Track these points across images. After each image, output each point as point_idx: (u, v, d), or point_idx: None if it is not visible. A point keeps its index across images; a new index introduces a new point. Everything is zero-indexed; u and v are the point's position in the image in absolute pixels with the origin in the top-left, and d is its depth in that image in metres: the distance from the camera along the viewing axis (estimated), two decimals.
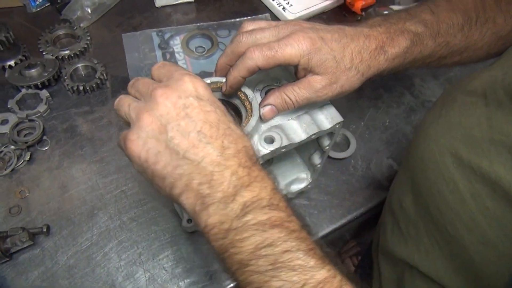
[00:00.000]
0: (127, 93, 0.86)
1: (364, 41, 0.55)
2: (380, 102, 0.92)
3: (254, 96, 0.56)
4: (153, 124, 0.43)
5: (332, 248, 0.80)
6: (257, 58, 0.51)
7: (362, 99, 0.92)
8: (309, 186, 0.74)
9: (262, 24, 0.56)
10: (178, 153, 0.43)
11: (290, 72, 0.61)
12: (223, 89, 0.56)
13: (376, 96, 0.93)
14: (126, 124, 0.48)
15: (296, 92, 0.53)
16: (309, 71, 0.53)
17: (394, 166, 0.83)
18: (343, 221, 0.75)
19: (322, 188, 0.78)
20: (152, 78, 0.50)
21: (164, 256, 0.69)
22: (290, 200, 0.75)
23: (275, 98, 0.54)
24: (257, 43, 0.52)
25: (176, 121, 0.43)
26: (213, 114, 0.45)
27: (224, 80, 0.56)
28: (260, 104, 0.55)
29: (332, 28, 0.55)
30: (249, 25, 0.56)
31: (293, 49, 0.51)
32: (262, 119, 0.56)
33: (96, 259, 0.68)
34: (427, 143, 0.52)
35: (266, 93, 0.58)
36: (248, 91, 0.56)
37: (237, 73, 0.52)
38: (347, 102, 0.91)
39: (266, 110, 0.55)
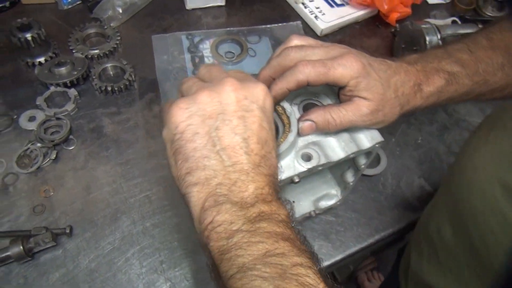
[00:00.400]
0: (154, 95, 0.86)
1: (405, 75, 0.55)
2: (413, 118, 0.90)
3: (292, 111, 0.54)
4: (208, 104, 0.43)
5: (351, 265, 0.78)
6: (308, 72, 0.50)
7: None
8: (338, 203, 0.72)
9: (310, 41, 0.55)
10: (215, 145, 0.42)
11: (331, 88, 0.59)
12: None
13: None
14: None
15: (342, 113, 0.52)
16: (355, 94, 0.52)
17: (425, 187, 0.80)
18: (371, 240, 0.73)
19: (350, 205, 0.76)
20: None
21: (186, 266, 0.67)
22: (315, 216, 0.73)
23: (317, 115, 0.52)
24: (307, 59, 0.51)
25: (231, 116, 0.43)
26: (265, 132, 0.44)
27: None
28: (299, 118, 0.54)
29: (376, 58, 0.55)
30: (298, 40, 0.55)
31: (345, 69, 0.50)
32: (298, 134, 0.54)
33: (118, 264, 0.67)
34: (473, 170, 0.50)
35: (304, 107, 0.57)
36: (286, 105, 0.54)
37: (285, 85, 0.51)
38: None
39: (305, 125, 0.53)
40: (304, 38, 0.55)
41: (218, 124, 0.42)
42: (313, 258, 0.40)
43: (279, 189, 0.45)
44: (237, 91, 0.44)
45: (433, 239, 0.59)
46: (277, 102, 0.54)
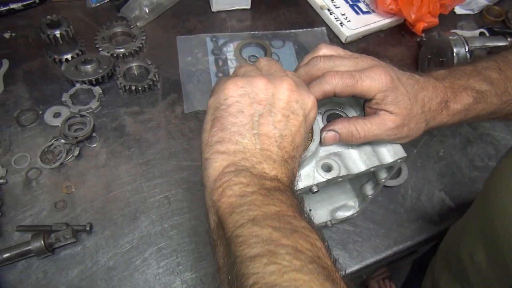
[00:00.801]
0: (177, 96, 0.86)
1: (433, 91, 0.54)
2: (435, 130, 0.88)
3: (316, 120, 0.54)
4: (262, 91, 0.44)
5: (364, 273, 0.77)
6: (336, 83, 0.50)
7: None
8: (355, 215, 0.71)
9: (339, 51, 0.55)
10: (253, 128, 0.43)
11: (356, 99, 0.59)
12: None
13: None
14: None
15: (367, 127, 0.52)
16: (381, 108, 0.52)
17: (446, 201, 0.79)
18: (389, 252, 0.72)
19: (369, 215, 0.75)
20: None
21: (202, 268, 0.68)
22: (332, 226, 0.73)
23: (342, 127, 0.52)
24: (335, 70, 0.51)
25: (277, 110, 0.44)
26: (300, 138, 0.45)
27: None
28: (323, 128, 0.53)
29: (405, 72, 0.55)
30: (327, 49, 0.54)
31: (373, 82, 0.50)
32: (320, 143, 0.54)
33: (135, 264, 0.67)
34: (510, 195, 0.48)
35: (328, 117, 0.56)
36: None
37: (311, 93, 0.51)
38: None
39: (329, 135, 0.53)
40: (333, 47, 0.55)
41: (264, 112, 0.44)
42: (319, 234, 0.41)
43: (295, 188, 0.46)
44: (292, 92, 0.45)
45: (464, 263, 0.58)
46: None
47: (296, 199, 0.42)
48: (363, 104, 0.55)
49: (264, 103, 0.44)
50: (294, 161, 0.45)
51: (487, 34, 0.99)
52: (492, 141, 0.88)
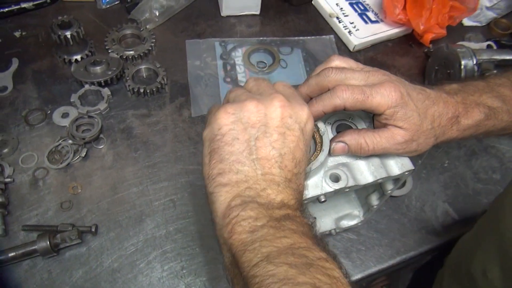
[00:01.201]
0: (185, 100, 0.86)
1: (444, 107, 0.55)
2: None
3: (325, 130, 0.54)
4: (253, 114, 0.44)
5: (364, 282, 0.77)
6: (347, 98, 0.50)
7: None
8: (359, 224, 0.72)
9: (351, 63, 0.55)
10: (251, 153, 0.43)
11: (366, 113, 0.59)
12: None
13: None
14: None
15: (377, 140, 0.52)
16: (390, 123, 0.52)
17: (449, 212, 0.79)
18: (392, 262, 0.72)
19: (373, 225, 0.76)
20: None
21: (205, 273, 0.68)
22: (336, 234, 0.73)
23: (351, 139, 0.52)
24: (346, 83, 0.51)
25: (272, 130, 0.44)
26: (301, 153, 0.45)
27: None
28: (332, 139, 0.54)
29: (416, 87, 0.55)
30: (339, 61, 0.55)
31: (383, 98, 0.50)
32: (329, 153, 0.54)
33: (140, 266, 0.68)
34: None
35: (338, 128, 0.57)
36: (320, 124, 0.54)
37: (321, 107, 0.51)
38: None
39: (338, 146, 0.53)
40: (345, 59, 0.55)
41: (259, 135, 0.44)
42: (336, 260, 0.40)
43: (303, 207, 0.46)
44: (283, 108, 0.45)
45: (476, 279, 0.57)
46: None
47: (307, 222, 0.42)
48: (372, 117, 0.56)
49: (258, 125, 0.44)
50: (298, 178, 0.45)
51: (495, 47, 0.99)
52: (497, 153, 0.88)
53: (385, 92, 0.50)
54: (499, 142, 0.90)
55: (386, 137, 0.52)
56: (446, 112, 0.54)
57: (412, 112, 0.51)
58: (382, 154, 0.55)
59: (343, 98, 0.50)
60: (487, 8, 1.08)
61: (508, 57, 0.91)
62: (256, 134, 0.44)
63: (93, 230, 0.69)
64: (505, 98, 0.57)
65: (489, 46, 1.00)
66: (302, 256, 0.37)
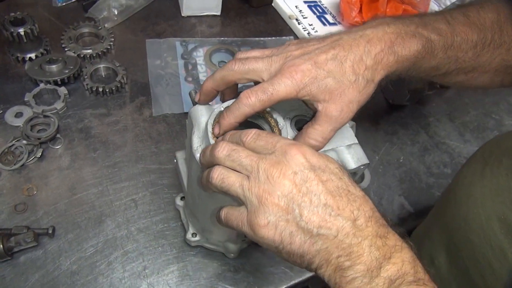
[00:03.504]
0: (145, 99, 0.85)
1: (365, 46, 0.51)
2: (396, 138, 0.93)
3: (284, 124, 0.55)
4: (279, 205, 0.42)
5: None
6: (253, 104, 0.49)
7: (378, 133, 0.93)
8: None
9: (255, 53, 0.54)
10: (311, 231, 0.41)
11: None
12: (215, 131, 0.52)
13: (392, 131, 0.93)
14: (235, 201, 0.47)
15: (320, 130, 0.51)
16: (316, 101, 0.50)
17: (405, 205, 0.82)
18: None
19: None
20: (244, 146, 0.47)
21: (169, 272, 0.67)
22: None
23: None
24: (249, 76, 0.51)
25: (300, 198, 0.42)
26: (331, 183, 0.43)
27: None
28: None
29: (326, 43, 0.52)
30: (243, 54, 0.54)
31: (287, 86, 0.49)
32: None
33: (100, 268, 0.66)
34: (471, 205, 0.51)
35: (296, 123, 0.58)
36: (279, 119, 0.55)
37: (233, 119, 0.50)
38: (364, 133, 0.91)
39: None
40: (249, 51, 0.54)
41: (298, 212, 0.41)
42: None
43: (381, 216, 0.44)
44: (284, 175, 0.42)
45: (425, 266, 0.60)
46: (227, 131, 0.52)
47: (410, 260, 0.41)
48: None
49: (291, 209, 0.42)
50: (354, 202, 0.42)
51: None
52: (448, 149, 0.93)
53: (286, 80, 0.48)
54: (449, 138, 0.95)
55: (324, 120, 0.51)
56: (369, 51, 0.51)
57: (326, 79, 0.49)
58: (339, 150, 0.57)
59: (249, 105, 0.48)
60: None
61: None
62: (296, 214, 0.42)
63: (50, 232, 0.66)
64: (441, 32, 0.55)
65: None
66: None
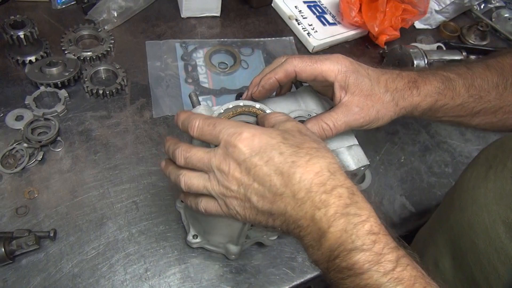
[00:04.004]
0: (146, 101, 0.85)
1: (397, 74, 0.57)
2: (397, 138, 0.92)
3: None
4: (237, 198, 0.46)
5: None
6: (296, 63, 0.52)
7: (379, 133, 0.92)
8: None
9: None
10: (268, 211, 0.45)
11: (324, 107, 0.61)
12: (254, 89, 0.56)
13: (393, 131, 0.93)
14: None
15: (334, 118, 0.53)
16: (345, 91, 0.53)
17: (406, 205, 0.82)
18: None
19: None
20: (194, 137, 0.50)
21: (171, 274, 0.67)
22: None
23: (312, 125, 0.54)
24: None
25: (251, 186, 0.45)
26: (272, 162, 0.44)
27: (257, 105, 0.56)
28: None
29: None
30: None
31: (332, 64, 0.52)
32: None
33: (102, 270, 0.66)
34: (476, 208, 0.51)
35: None
36: None
37: (273, 75, 0.53)
38: (365, 133, 0.91)
39: None
40: (293, 55, 0.58)
41: (253, 199, 0.45)
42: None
43: (337, 167, 0.45)
44: (231, 170, 0.46)
45: (429, 271, 0.60)
46: (266, 91, 0.56)
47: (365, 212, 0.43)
48: (331, 97, 0.57)
49: (247, 198, 0.46)
50: (301, 168, 0.44)
51: (444, 48, 1.05)
52: (449, 148, 0.93)
53: (333, 59, 0.53)
54: (450, 138, 0.95)
55: (342, 111, 0.54)
56: (400, 78, 0.56)
57: (363, 78, 0.53)
58: (339, 151, 0.57)
59: (292, 63, 0.53)
60: (436, 11, 1.15)
61: (456, 58, 0.96)
62: (252, 201, 0.46)
63: (51, 235, 0.66)
64: (460, 73, 0.60)
65: (439, 48, 1.05)
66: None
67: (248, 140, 0.45)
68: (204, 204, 0.50)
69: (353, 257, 0.40)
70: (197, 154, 0.48)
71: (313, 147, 0.44)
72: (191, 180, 0.49)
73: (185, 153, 0.48)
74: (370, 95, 0.53)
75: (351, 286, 0.40)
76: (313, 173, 0.43)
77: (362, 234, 0.40)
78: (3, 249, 0.62)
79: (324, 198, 0.42)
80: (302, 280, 0.70)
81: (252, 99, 0.58)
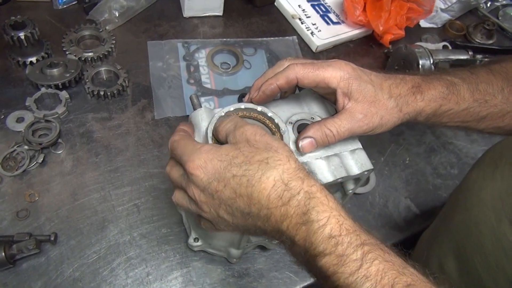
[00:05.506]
0: (147, 102, 0.84)
1: (401, 79, 0.56)
2: (401, 139, 0.91)
3: (286, 129, 0.54)
4: (213, 218, 0.49)
5: None
6: (298, 69, 0.52)
7: (384, 134, 0.90)
8: None
9: (301, 60, 0.57)
10: (243, 225, 0.47)
11: (327, 110, 0.60)
12: (254, 95, 0.56)
13: (397, 132, 0.92)
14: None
15: (338, 124, 0.53)
16: (348, 98, 0.53)
17: (411, 207, 0.81)
18: None
19: None
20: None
21: (173, 278, 0.67)
22: None
23: (315, 131, 0.53)
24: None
25: (219, 208, 0.47)
26: (232, 181, 0.45)
27: (258, 108, 0.55)
28: (297, 138, 0.54)
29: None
30: (290, 58, 0.57)
31: (334, 70, 0.52)
32: (300, 152, 0.54)
33: (103, 274, 0.65)
34: (482, 208, 0.50)
35: (299, 127, 0.57)
36: (281, 124, 0.54)
37: (274, 80, 0.53)
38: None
39: (305, 143, 0.53)
40: (296, 58, 0.58)
41: (225, 217, 0.48)
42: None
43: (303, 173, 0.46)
44: (197, 195, 0.48)
45: (434, 273, 0.59)
46: (266, 96, 0.55)
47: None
48: (334, 103, 0.56)
49: (218, 215, 0.48)
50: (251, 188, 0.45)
51: (450, 47, 1.03)
52: (454, 149, 0.92)
53: (336, 65, 0.52)
54: (455, 138, 0.94)
55: (345, 117, 0.53)
56: (404, 83, 0.56)
57: (366, 84, 0.53)
58: (342, 155, 0.56)
59: (294, 69, 0.52)
60: (442, 10, 1.13)
61: (462, 57, 0.95)
62: (225, 219, 0.48)
63: (52, 239, 0.66)
64: (464, 78, 0.59)
65: (444, 47, 1.04)
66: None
67: (202, 168, 0.46)
68: (203, 224, 0.52)
69: (319, 262, 0.42)
70: (174, 176, 0.51)
71: (263, 160, 0.45)
72: (178, 200, 0.52)
73: (168, 169, 0.52)
74: (373, 102, 0.53)
75: None
76: (269, 189, 0.44)
77: (323, 239, 0.42)
78: (3, 254, 0.62)
79: (283, 211, 0.44)
80: (305, 284, 0.69)
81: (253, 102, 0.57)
